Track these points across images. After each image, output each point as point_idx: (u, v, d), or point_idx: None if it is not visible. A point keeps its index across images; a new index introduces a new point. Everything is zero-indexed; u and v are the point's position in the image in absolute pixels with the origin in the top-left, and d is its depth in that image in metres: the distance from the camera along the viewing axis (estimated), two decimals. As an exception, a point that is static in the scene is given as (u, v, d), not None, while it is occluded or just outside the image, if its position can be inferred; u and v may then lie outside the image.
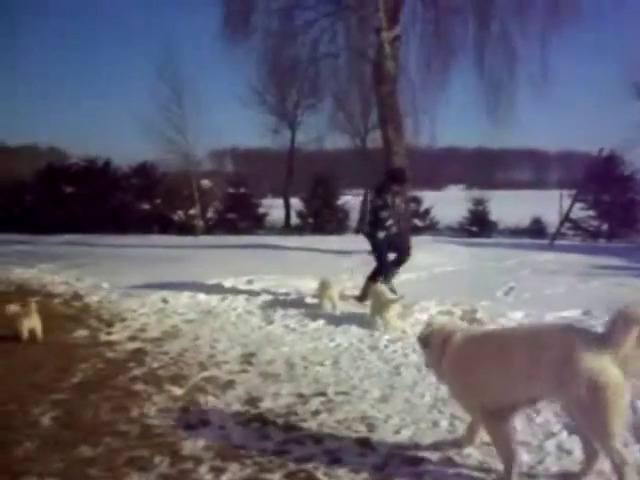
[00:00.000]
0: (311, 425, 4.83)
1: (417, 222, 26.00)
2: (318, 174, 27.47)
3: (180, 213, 26.65)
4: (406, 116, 15.75)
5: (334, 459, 4.24)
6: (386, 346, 6.90)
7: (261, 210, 28.40)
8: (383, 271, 8.85)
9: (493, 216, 27.43)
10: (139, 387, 5.81)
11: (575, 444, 4.36)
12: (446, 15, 15.85)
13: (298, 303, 9.17)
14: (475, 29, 15.74)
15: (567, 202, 20.61)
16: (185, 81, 26.08)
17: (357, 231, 26.59)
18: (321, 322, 8.04)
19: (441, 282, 10.89)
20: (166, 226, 25.84)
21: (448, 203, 28.31)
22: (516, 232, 25.83)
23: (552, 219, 23.54)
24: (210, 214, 28.11)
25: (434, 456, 4.25)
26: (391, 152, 14.58)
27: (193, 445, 4.50)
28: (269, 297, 9.62)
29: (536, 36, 15.27)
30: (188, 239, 21.72)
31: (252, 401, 5.36)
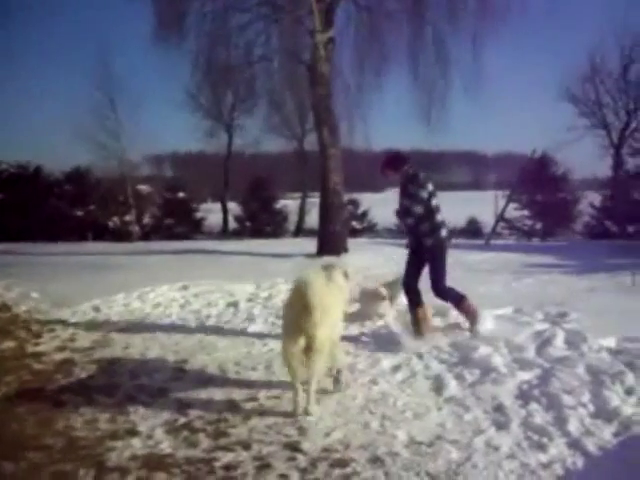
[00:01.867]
0: (241, 431, 4.77)
1: (355, 224, 26.15)
2: (255, 177, 27.37)
3: (115, 219, 26.13)
4: (341, 119, 15.81)
5: (263, 464, 4.20)
6: (320, 348, 6.87)
7: (199, 215, 28.09)
8: None
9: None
10: (66, 398, 5.63)
11: (503, 440, 4.44)
12: (380, 19, 15.98)
13: (233, 308, 9.07)
14: (409, 33, 15.94)
15: (502, 202, 21.07)
16: (119, 85, 25.72)
17: (296, 234, 26.64)
18: (255, 327, 7.97)
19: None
20: (101, 233, 25.30)
21: (387, 205, 28.50)
22: (453, 232, 26.19)
23: (488, 219, 24.00)
24: (147, 220, 27.64)
25: (363, 457, 4.25)
26: (327, 155, 14.63)
27: (119, 456, 4.40)
28: (204, 302, 9.49)
29: (469, 40, 15.58)
30: (123, 246, 21.32)
31: (182, 409, 5.26)
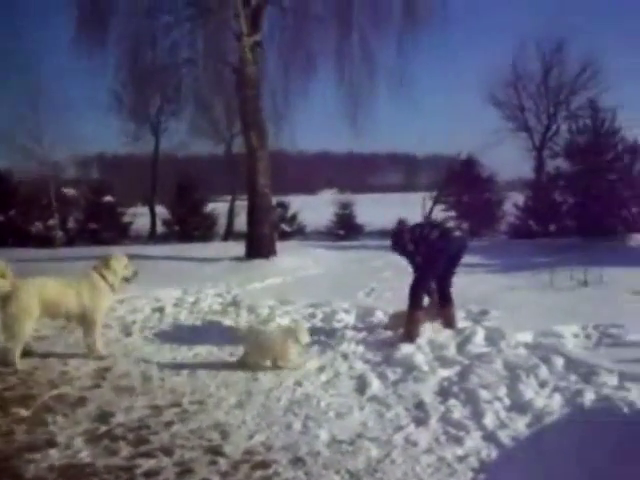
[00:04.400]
0: (163, 437, 4.73)
1: (285, 227, 26.15)
2: (182, 180, 26.96)
3: (38, 224, 25.28)
4: (269, 121, 15.77)
5: (184, 470, 4.18)
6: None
7: (126, 219, 27.46)
8: None
9: (360, 219, 28.03)
10: (-19, 411, 5.47)
11: (422, 435, 4.54)
12: (306, 22, 16.03)
13: (159, 314, 8.96)
14: (335, 36, 16.02)
15: (430, 204, 21.46)
16: (41, 87, 24.92)
17: (225, 237, 26.45)
18: (180, 332, 7.90)
19: (305, 285, 10.98)
20: (23, 238, 24.41)
21: (318, 207, 28.70)
22: (382, 234, 26.51)
23: (417, 221, 24.31)
24: (71, 224, 26.84)
25: (285, 458, 4.28)
26: (254, 157, 14.59)
27: (36, 468, 4.29)
28: (129, 308, 9.34)
29: (394, 44, 15.76)
30: (47, 252, 20.67)
31: (103, 417, 5.17)
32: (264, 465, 4.18)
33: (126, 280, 7.54)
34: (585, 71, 31.38)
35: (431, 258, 7.12)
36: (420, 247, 7.14)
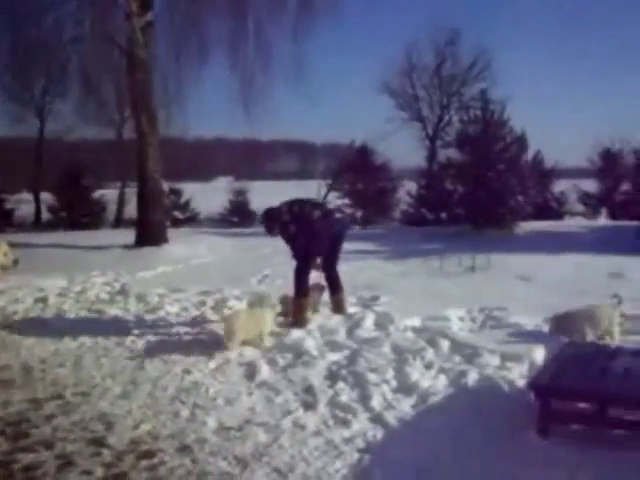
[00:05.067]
0: (44, 430, 4.55)
1: (177, 214, 25.72)
2: (69, 166, 25.86)
3: None
4: (160, 106, 15.39)
5: (65, 462, 4.03)
6: (133, 341, 6.70)
7: (8, 206, 26.12)
8: None
9: (255, 206, 27.88)
10: None
11: (310, 419, 4.58)
12: (199, 6, 15.72)
13: (42, 304, 8.59)
14: (229, 21, 15.80)
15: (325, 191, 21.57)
16: None
17: (116, 225, 25.71)
18: (65, 322, 7.62)
19: (197, 273, 10.86)
20: None
21: (213, 194, 28.38)
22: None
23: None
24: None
25: (172, 446, 4.21)
26: (145, 143, 14.24)
27: None
28: (10, 299, 8.88)
29: (289, 31, 15.71)
30: None
31: (-20, 412, 4.92)
32: (150, 454, 4.10)
33: (4, 268, 7.15)
34: (477, 63, 32.51)
35: (313, 239, 7.01)
36: (302, 226, 7.01)
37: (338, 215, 8.10)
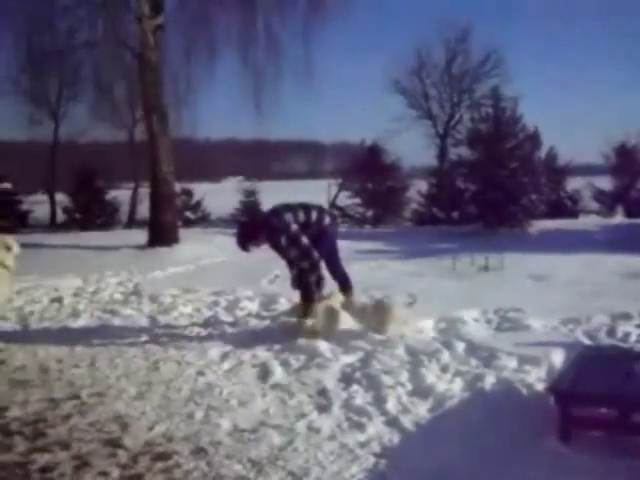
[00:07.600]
0: (60, 431, 4.58)
1: (189, 214, 25.80)
2: (83, 167, 26.05)
3: None
4: (170, 108, 15.49)
5: (82, 463, 4.06)
6: (147, 342, 6.74)
7: (24, 207, 26.35)
8: None
9: (265, 206, 27.86)
10: None
11: (325, 422, 4.57)
12: (210, 7, 15.79)
13: (57, 304, 8.66)
14: (240, 21, 15.85)
15: (335, 191, 21.57)
16: None
17: (128, 225, 25.80)
18: (81, 322, 7.69)
19: (208, 273, 10.91)
20: None
21: (224, 195, 28.42)
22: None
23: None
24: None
25: (186, 448, 4.22)
26: (156, 144, 14.32)
27: None
28: (27, 299, 8.96)
29: (299, 30, 15.78)
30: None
31: (-3, 412, 4.96)
32: (165, 456, 4.12)
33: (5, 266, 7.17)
34: (488, 60, 32.22)
35: (323, 245, 6.95)
36: (315, 234, 6.87)
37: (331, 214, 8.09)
